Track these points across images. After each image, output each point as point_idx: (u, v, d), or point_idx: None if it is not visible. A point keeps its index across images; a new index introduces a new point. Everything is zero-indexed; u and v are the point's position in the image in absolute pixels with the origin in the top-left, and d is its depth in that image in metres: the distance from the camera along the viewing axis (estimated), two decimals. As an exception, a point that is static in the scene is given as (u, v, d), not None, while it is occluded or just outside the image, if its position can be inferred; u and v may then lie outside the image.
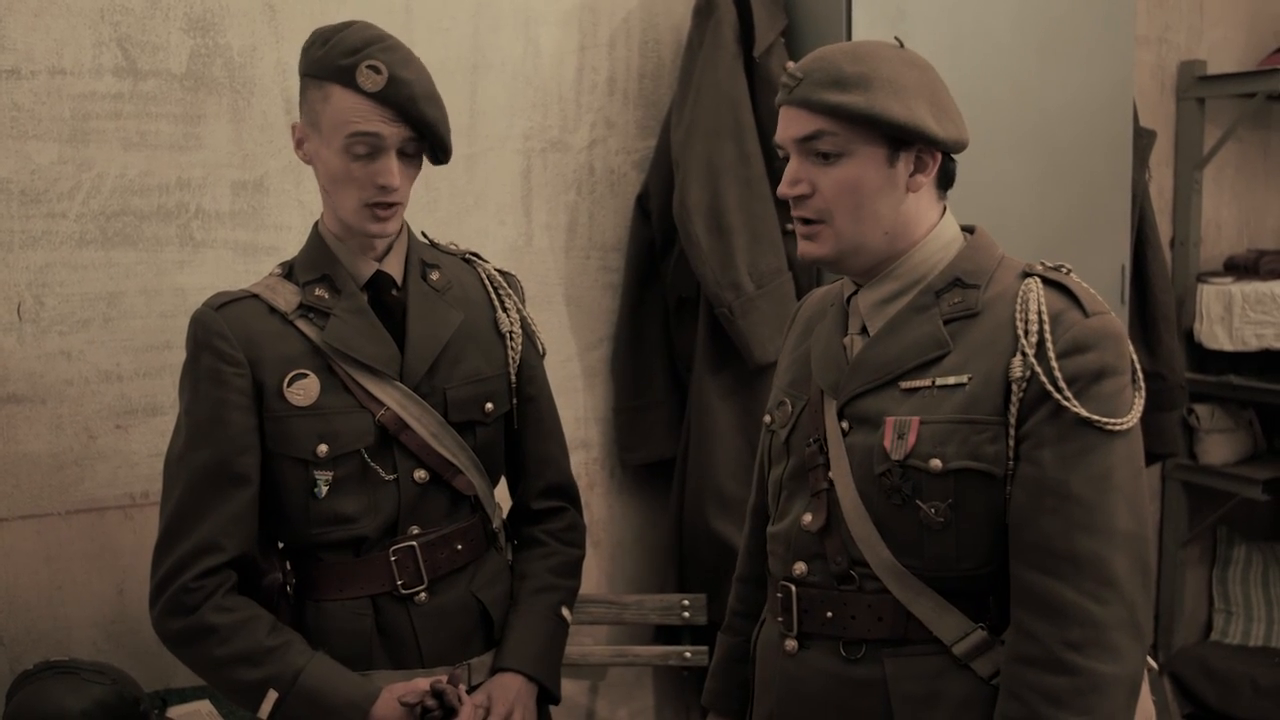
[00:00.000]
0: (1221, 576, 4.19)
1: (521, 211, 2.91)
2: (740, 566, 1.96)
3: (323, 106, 1.77)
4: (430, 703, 1.77)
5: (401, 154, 1.79)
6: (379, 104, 1.74)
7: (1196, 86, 3.90)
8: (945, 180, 1.64)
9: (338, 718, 1.77)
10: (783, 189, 1.62)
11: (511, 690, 1.90)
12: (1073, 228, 3.02)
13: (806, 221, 1.61)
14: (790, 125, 1.60)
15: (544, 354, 2.08)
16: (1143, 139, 3.39)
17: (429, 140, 1.81)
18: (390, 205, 1.80)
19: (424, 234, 2.04)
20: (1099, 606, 1.46)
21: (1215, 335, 3.85)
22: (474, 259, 2.05)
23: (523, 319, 2.02)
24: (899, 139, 1.55)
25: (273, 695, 1.76)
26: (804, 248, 1.63)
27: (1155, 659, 3.94)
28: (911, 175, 1.58)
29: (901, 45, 1.61)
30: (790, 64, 1.62)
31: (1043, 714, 1.46)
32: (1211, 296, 3.86)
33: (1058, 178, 2.99)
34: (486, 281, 2.02)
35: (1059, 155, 2.98)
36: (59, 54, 2.37)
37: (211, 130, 2.52)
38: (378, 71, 1.73)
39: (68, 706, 1.99)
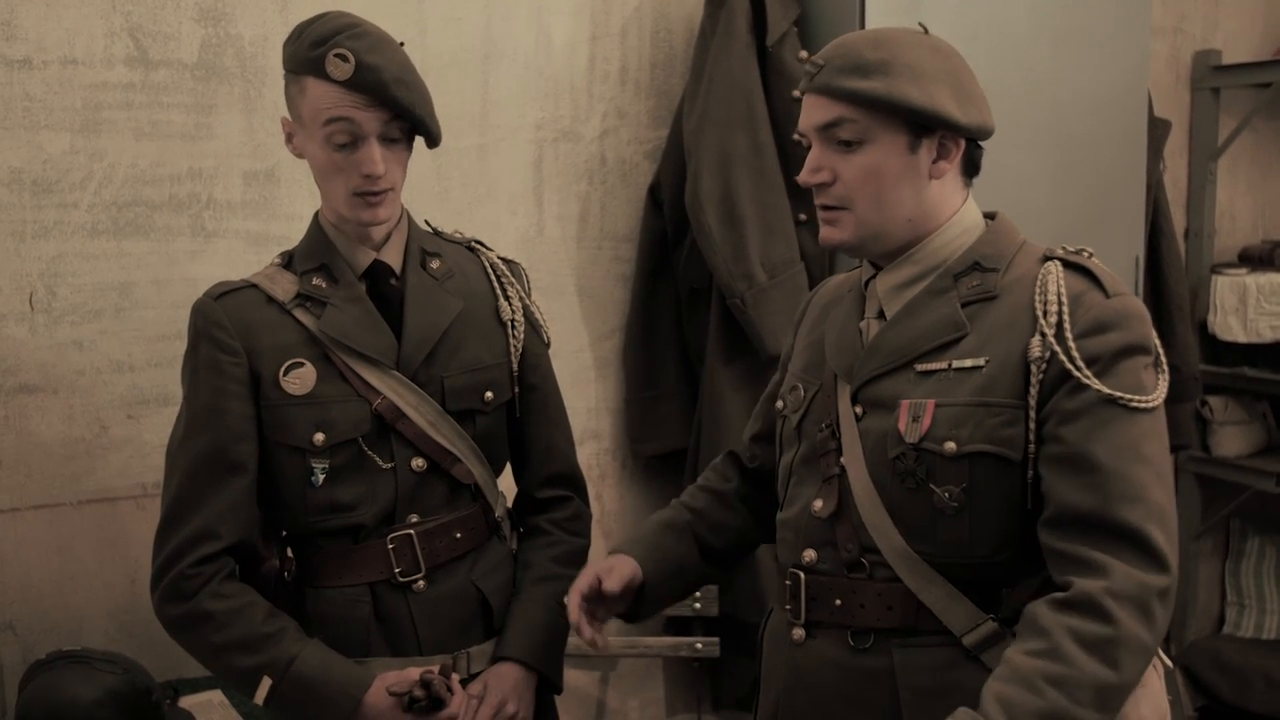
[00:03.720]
0: (1234, 569, 4.17)
1: (533, 202, 2.90)
2: (705, 477, 1.96)
3: (301, 100, 1.79)
4: (418, 693, 1.77)
5: (386, 139, 1.79)
6: (350, 91, 1.74)
7: (1211, 76, 3.88)
8: (970, 168, 1.63)
9: (330, 705, 1.78)
10: (804, 176, 1.60)
11: (508, 681, 1.90)
12: (1087, 218, 3.01)
13: (828, 208, 1.61)
14: (812, 113, 1.59)
15: (549, 344, 2.07)
16: (1157, 129, 3.37)
17: (409, 123, 1.80)
18: (380, 192, 1.80)
19: (427, 222, 2.04)
20: (1142, 572, 1.42)
21: (1229, 327, 3.82)
22: (478, 247, 2.05)
23: (526, 308, 2.01)
24: (920, 125, 1.54)
25: (267, 682, 1.78)
26: (825, 233, 1.62)
27: (1169, 653, 3.93)
28: (934, 162, 1.57)
29: (926, 31, 1.60)
30: (804, 53, 1.62)
31: (1067, 650, 1.38)
32: (1226, 288, 3.83)
33: (1072, 168, 2.97)
34: (489, 270, 2.01)
35: (1073, 145, 2.97)
36: (70, 44, 2.37)
37: (223, 120, 2.52)
38: (345, 60, 1.73)
39: (80, 696, 1.99)
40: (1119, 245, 3.11)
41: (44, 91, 2.35)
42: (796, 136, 1.63)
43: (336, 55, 1.73)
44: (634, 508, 3.13)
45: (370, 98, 1.74)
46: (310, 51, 1.75)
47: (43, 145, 2.36)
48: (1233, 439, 3.92)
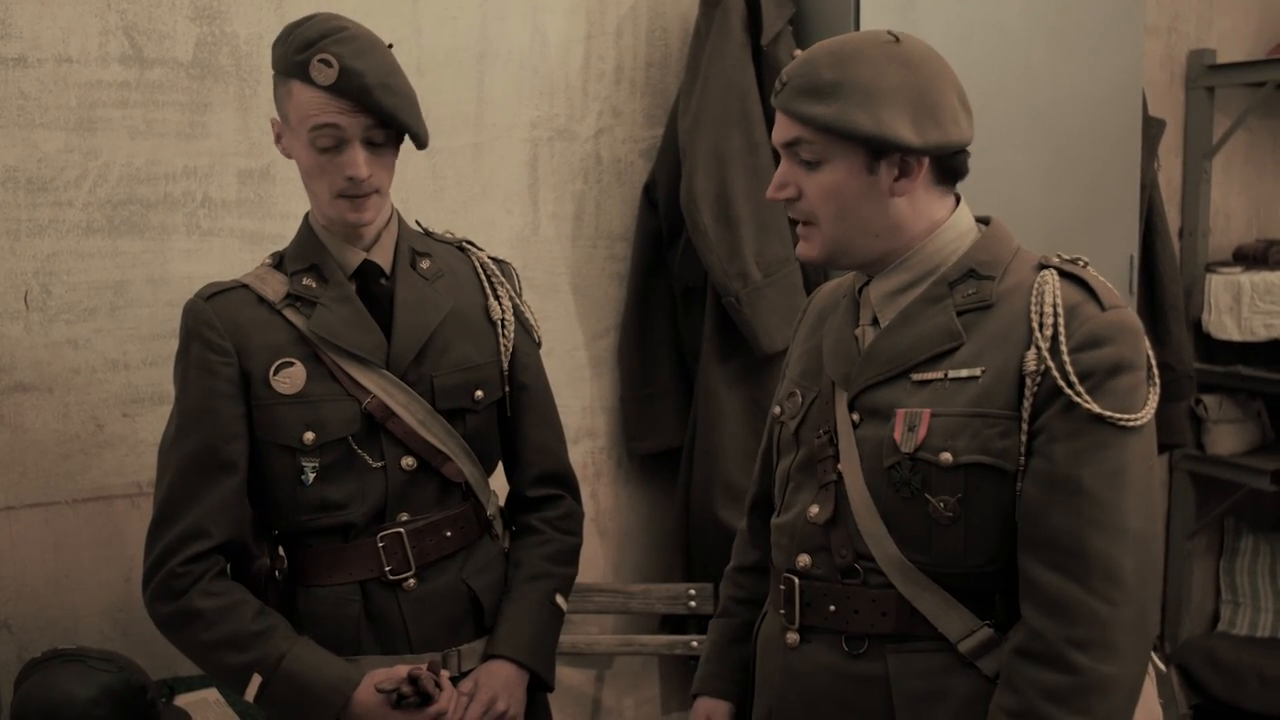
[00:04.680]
0: (1229, 567, 4.18)
1: (528, 200, 2.91)
2: (737, 557, 1.95)
3: (288, 102, 1.79)
4: (406, 689, 1.78)
5: (370, 143, 1.79)
6: (335, 96, 1.74)
7: (1206, 75, 3.88)
8: (949, 176, 1.60)
9: (319, 702, 1.79)
10: (770, 191, 1.61)
11: (499, 678, 1.90)
12: (1081, 217, 3.01)
13: (798, 222, 1.62)
14: (779, 129, 1.59)
15: (540, 344, 2.08)
16: (1152, 128, 3.38)
17: (394, 128, 1.80)
18: (364, 195, 1.81)
19: (418, 223, 2.04)
20: (1107, 606, 1.44)
21: (1224, 325, 3.83)
22: (468, 247, 2.05)
23: (516, 307, 2.02)
24: (876, 147, 1.53)
25: (257, 679, 1.79)
26: (799, 248, 1.64)
27: (1163, 653, 3.92)
28: (896, 180, 1.55)
29: (897, 40, 1.56)
30: (799, 52, 1.61)
31: (1040, 709, 1.44)
32: (1220, 286, 3.84)
33: (1066, 167, 2.98)
34: (480, 269, 2.02)
35: (1068, 145, 2.97)
36: (65, 42, 2.37)
37: (218, 119, 2.52)
38: (329, 65, 1.73)
39: (75, 694, 1.99)
40: (1114, 244, 3.11)
41: (39, 90, 2.35)
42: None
43: (320, 60, 1.73)
44: (629, 506, 3.13)
45: (353, 103, 1.74)
46: (296, 56, 1.75)
47: (37, 144, 2.36)
48: (1227, 437, 3.93)
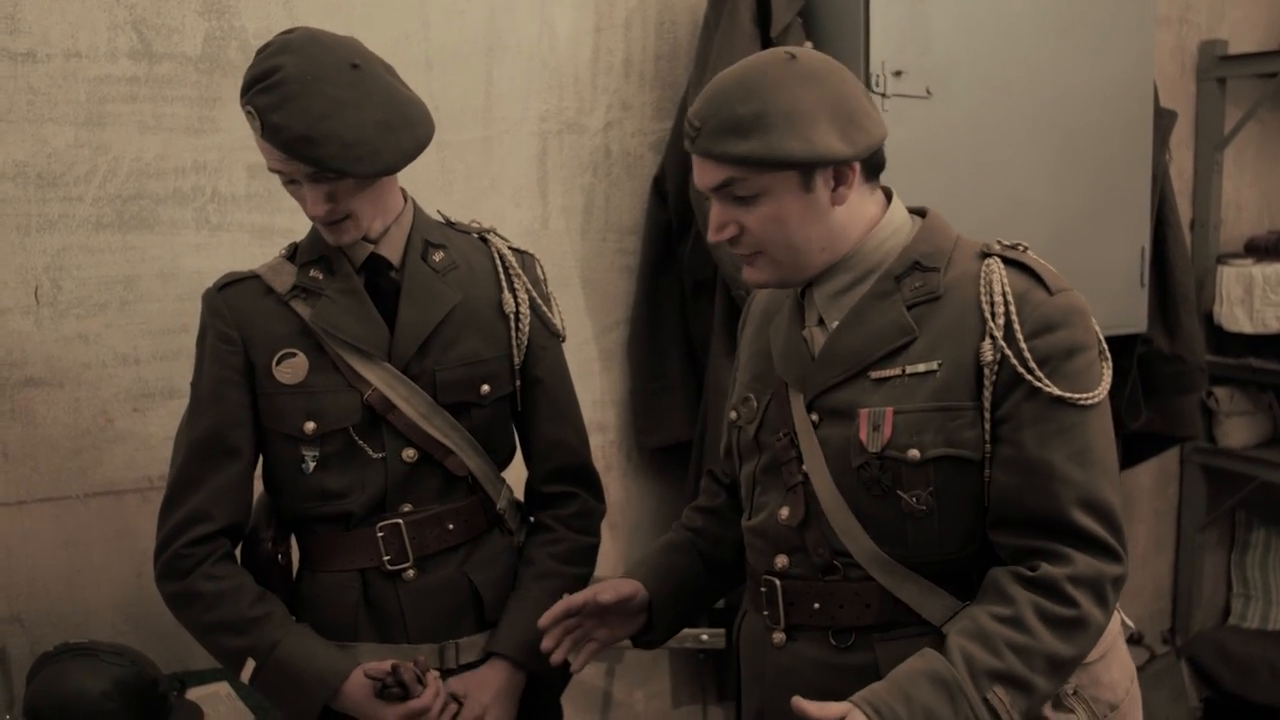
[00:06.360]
0: (1240, 560, 4.17)
1: (538, 194, 2.90)
2: (700, 499, 1.97)
3: None
4: (389, 679, 1.80)
5: (324, 178, 1.76)
6: (269, 144, 1.74)
7: (1217, 66, 3.87)
8: (874, 172, 1.61)
9: (308, 691, 1.82)
10: (711, 236, 1.62)
11: (489, 690, 1.90)
12: (1092, 210, 3.00)
13: (743, 254, 1.62)
14: (702, 174, 1.59)
15: (563, 337, 2.05)
16: (1163, 120, 3.36)
17: (333, 170, 1.74)
18: (336, 221, 1.81)
19: (440, 212, 2.04)
20: (1099, 562, 1.50)
21: (1235, 317, 3.82)
22: (490, 237, 2.02)
23: (532, 300, 1.99)
24: (810, 167, 1.53)
25: (251, 664, 1.83)
26: (747, 274, 1.65)
27: (1174, 645, 3.91)
28: (834, 190, 1.56)
29: (794, 57, 1.56)
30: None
31: (1030, 623, 1.47)
32: (1232, 278, 3.83)
33: (1077, 160, 2.97)
34: (497, 260, 2.00)
35: (1078, 137, 2.96)
36: (74, 37, 2.37)
37: (227, 113, 2.51)
38: (253, 117, 1.73)
39: (87, 687, 2.01)
40: (1125, 236, 3.10)
41: (48, 85, 2.35)
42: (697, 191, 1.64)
43: (248, 111, 1.74)
44: (639, 499, 3.14)
45: (285, 152, 1.73)
46: (240, 99, 1.75)
47: (47, 139, 2.37)
48: (1239, 430, 3.92)
